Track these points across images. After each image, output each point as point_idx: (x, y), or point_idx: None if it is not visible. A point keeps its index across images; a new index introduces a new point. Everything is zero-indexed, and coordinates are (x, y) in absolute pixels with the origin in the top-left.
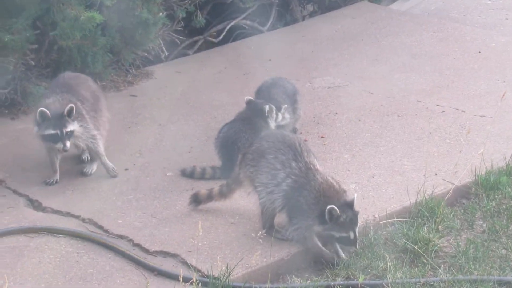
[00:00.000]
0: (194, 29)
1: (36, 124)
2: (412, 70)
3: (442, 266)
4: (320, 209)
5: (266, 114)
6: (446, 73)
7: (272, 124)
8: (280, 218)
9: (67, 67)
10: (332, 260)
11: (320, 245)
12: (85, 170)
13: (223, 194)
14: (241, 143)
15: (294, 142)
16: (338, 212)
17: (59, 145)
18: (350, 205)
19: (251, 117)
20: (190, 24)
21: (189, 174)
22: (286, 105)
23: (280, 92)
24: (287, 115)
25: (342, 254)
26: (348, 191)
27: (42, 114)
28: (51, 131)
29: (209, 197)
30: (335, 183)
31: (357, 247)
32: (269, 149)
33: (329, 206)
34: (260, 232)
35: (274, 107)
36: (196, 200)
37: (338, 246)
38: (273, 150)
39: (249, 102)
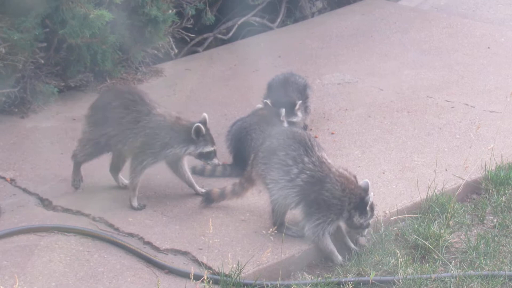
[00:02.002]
0: (204, 26)
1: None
2: (422, 66)
3: (453, 261)
4: (348, 200)
5: (282, 119)
6: (456, 69)
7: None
8: (290, 215)
9: (77, 65)
10: (339, 264)
11: (333, 246)
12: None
13: (236, 193)
14: (255, 134)
15: (304, 137)
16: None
17: (216, 161)
18: (367, 191)
19: (267, 115)
20: (199, 21)
21: (199, 172)
22: (300, 101)
23: (293, 89)
24: (299, 114)
25: (355, 247)
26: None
27: (198, 130)
28: (211, 148)
29: (222, 196)
30: (348, 174)
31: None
32: (279, 146)
33: (367, 197)
34: (271, 229)
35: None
36: (209, 199)
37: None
38: (283, 147)
39: (266, 104)
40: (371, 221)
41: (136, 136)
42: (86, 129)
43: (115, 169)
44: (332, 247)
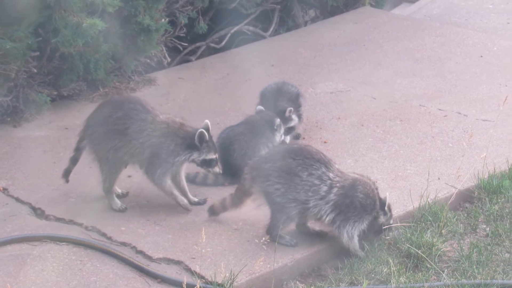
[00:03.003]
0: (197, 35)
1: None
2: (415, 74)
3: (446, 270)
4: (380, 202)
5: (275, 128)
6: (449, 78)
7: (278, 137)
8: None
9: (69, 74)
10: (362, 256)
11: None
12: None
13: (235, 204)
14: (238, 145)
15: (319, 153)
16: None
17: (217, 169)
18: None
19: (259, 124)
20: (192, 30)
21: (191, 180)
22: (291, 108)
23: (285, 99)
24: (294, 117)
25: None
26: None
27: (202, 136)
28: (213, 156)
29: (224, 207)
30: (360, 176)
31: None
32: (299, 167)
33: (385, 197)
34: (263, 238)
35: (281, 123)
36: (213, 212)
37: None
38: (304, 168)
39: (260, 111)
40: (391, 221)
41: (142, 146)
42: (93, 149)
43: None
44: (358, 244)
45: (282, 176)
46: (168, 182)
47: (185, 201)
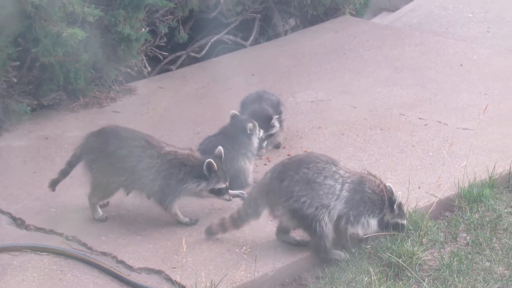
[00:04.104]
0: (177, 45)
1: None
2: (395, 83)
3: (426, 279)
4: (388, 199)
5: (249, 132)
6: (429, 86)
7: (255, 141)
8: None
9: (49, 84)
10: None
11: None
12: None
13: (237, 225)
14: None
15: (323, 156)
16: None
17: (227, 197)
18: (392, 193)
19: (234, 132)
20: (172, 40)
21: None
22: (277, 116)
23: (267, 105)
24: (277, 124)
25: None
26: None
27: (210, 166)
28: (222, 185)
29: (224, 229)
30: (366, 172)
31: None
32: (315, 174)
33: (394, 196)
34: (244, 248)
35: (256, 124)
36: (211, 233)
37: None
38: (318, 172)
39: (233, 117)
40: (401, 221)
41: (153, 182)
42: (92, 173)
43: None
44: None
45: (303, 188)
46: (176, 206)
47: (187, 219)
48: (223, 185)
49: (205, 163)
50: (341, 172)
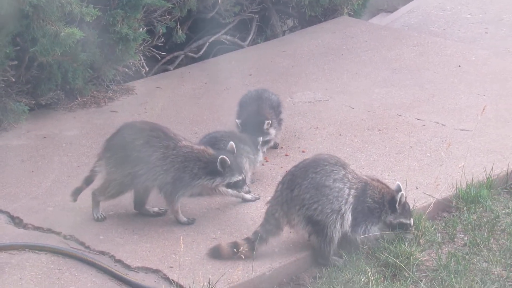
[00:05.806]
0: (175, 45)
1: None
2: (393, 84)
3: (424, 280)
4: (390, 200)
5: (259, 148)
6: (427, 87)
7: (261, 155)
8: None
9: (47, 83)
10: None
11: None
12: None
13: (254, 248)
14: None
15: (333, 157)
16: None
17: (246, 189)
18: (399, 192)
19: (244, 138)
20: (170, 40)
21: None
22: (269, 121)
23: (265, 106)
24: (272, 130)
25: None
26: None
27: (223, 162)
28: (238, 177)
29: (234, 253)
30: (370, 177)
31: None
32: (323, 177)
33: (396, 195)
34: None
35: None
36: (218, 256)
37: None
38: (327, 176)
39: (243, 125)
40: (405, 221)
41: (166, 173)
42: (108, 168)
43: (140, 204)
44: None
45: (313, 194)
46: (179, 203)
47: (185, 219)
48: (240, 177)
49: (219, 159)
50: (349, 176)
